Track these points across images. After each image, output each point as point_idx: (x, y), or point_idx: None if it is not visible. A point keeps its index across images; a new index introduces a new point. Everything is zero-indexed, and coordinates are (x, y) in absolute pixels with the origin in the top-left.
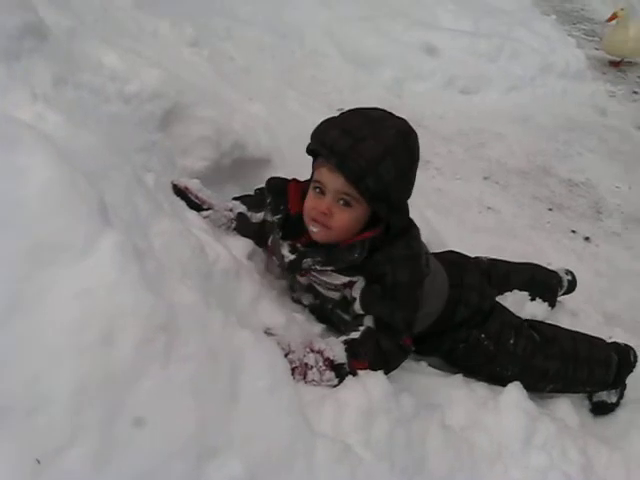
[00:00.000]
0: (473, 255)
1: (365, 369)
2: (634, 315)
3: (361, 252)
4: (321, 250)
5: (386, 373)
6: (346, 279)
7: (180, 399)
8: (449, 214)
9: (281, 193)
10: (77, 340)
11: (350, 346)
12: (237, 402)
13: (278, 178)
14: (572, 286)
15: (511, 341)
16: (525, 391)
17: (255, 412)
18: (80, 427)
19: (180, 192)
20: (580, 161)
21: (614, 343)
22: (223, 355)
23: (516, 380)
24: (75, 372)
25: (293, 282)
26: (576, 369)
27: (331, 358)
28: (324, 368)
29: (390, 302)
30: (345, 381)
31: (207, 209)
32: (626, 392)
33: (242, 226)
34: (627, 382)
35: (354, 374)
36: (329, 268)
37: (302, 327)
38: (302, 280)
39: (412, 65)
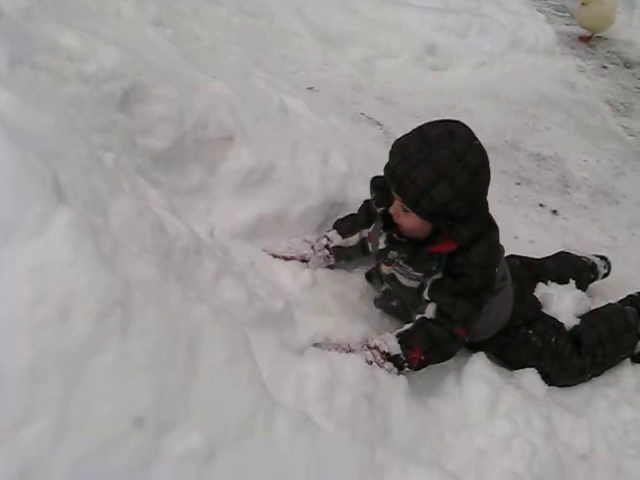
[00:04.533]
0: None
1: (420, 357)
2: (601, 284)
3: (438, 266)
4: (409, 248)
5: (441, 361)
6: (421, 274)
7: (137, 373)
8: None
9: (383, 189)
10: (32, 316)
11: (403, 338)
12: (195, 375)
13: (379, 177)
14: (607, 274)
15: (553, 339)
16: (489, 361)
17: (214, 384)
18: (37, 402)
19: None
20: (548, 135)
21: (629, 297)
22: (181, 329)
23: (557, 377)
24: (30, 348)
25: (377, 271)
26: (604, 349)
27: (387, 351)
28: (382, 361)
29: (455, 295)
30: (307, 354)
31: (303, 261)
32: None
33: (342, 256)
34: None
35: (411, 363)
36: (410, 268)
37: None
38: (385, 270)
39: (381, 42)
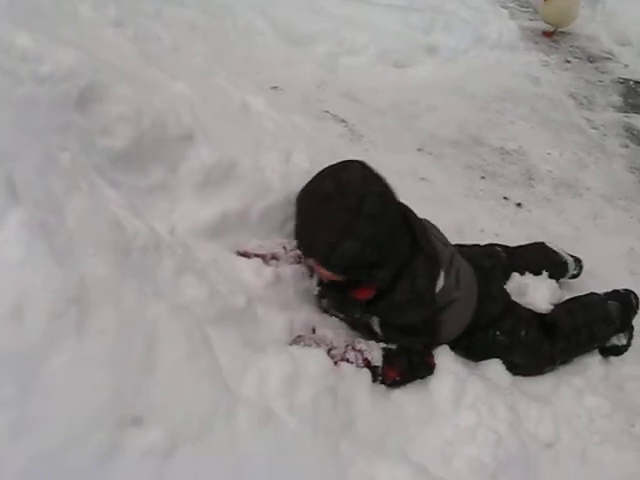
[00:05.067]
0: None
1: (395, 377)
2: None
3: (361, 312)
4: (337, 296)
5: (410, 381)
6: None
7: (95, 370)
8: None
9: None
10: None
11: (387, 354)
12: (154, 371)
13: None
14: (577, 275)
15: (523, 332)
16: (453, 353)
17: (173, 380)
18: None
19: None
20: (512, 130)
21: (613, 291)
22: (138, 326)
23: (526, 366)
24: None
25: None
26: (579, 337)
27: (369, 359)
28: (362, 366)
29: (408, 335)
30: (269, 350)
31: (273, 258)
32: None
33: None
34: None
35: (386, 378)
36: (341, 315)
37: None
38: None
39: (345, 40)
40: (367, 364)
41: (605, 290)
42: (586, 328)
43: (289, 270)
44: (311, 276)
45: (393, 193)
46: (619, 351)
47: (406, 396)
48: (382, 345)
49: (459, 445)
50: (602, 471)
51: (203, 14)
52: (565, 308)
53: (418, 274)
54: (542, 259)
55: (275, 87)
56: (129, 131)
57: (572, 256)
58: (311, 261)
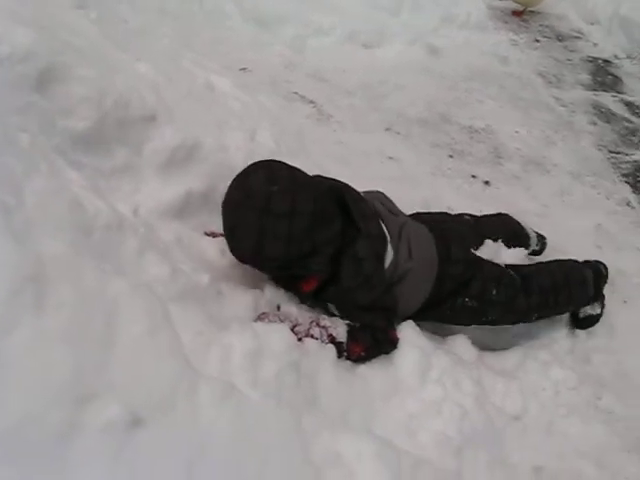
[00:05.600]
0: None
1: (360, 352)
2: None
3: (312, 301)
4: (289, 289)
5: (376, 357)
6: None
7: (54, 347)
8: (349, 165)
9: None
10: None
11: (351, 330)
12: (114, 347)
13: None
14: (539, 252)
15: (493, 292)
16: (418, 328)
17: (134, 356)
18: None
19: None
20: (481, 108)
21: (585, 261)
22: (98, 303)
23: (501, 320)
24: None
25: None
26: (557, 296)
27: (334, 335)
28: (327, 342)
29: (366, 313)
30: (230, 326)
31: None
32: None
33: None
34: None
35: (351, 354)
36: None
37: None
38: None
39: (313, 21)
40: (332, 340)
41: None
42: (565, 289)
43: None
44: None
45: (306, 185)
46: (594, 320)
47: (371, 371)
48: (347, 322)
49: (424, 419)
50: (568, 443)
51: None
52: (543, 266)
53: (363, 256)
54: (506, 229)
55: (243, 68)
56: (91, 112)
57: (537, 233)
58: (248, 267)
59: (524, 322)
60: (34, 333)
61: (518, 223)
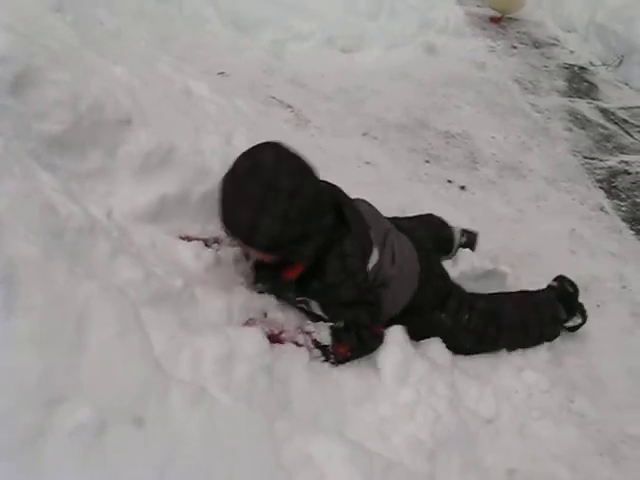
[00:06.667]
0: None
1: (346, 353)
2: (508, 253)
3: (295, 291)
4: (269, 278)
5: (364, 355)
6: (301, 298)
7: (23, 349)
8: (327, 170)
9: None
10: None
11: (335, 332)
12: (84, 350)
13: None
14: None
15: (466, 317)
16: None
17: (104, 359)
18: None
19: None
20: (457, 114)
21: (549, 286)
22: (67, 305)
23: (474, 349)
24: None
25: None
26: (527, 335)
27: (317, 340)
28: (312, 347)
29: (350, 309)
30: (203, 330)
31: (215, 242)
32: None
33: None
34: None
35: (337, 356)
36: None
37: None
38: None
39: (291, 26)
40: (317, 345)
41: (546, 270)
42: (537, 328)
43: (229, 253)
44: (247, 259)
45: (310, 171)
46: (577, 328)
47: (344, 374)
48: (330, 324)
49: (397, 422)
50: (541, 446)
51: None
52: (513, 301)
53: (349, 254)
54: (432, 233)
55: (222, 73)
56: (66, 115)
57: (464, 229)
58: (237, 241)
59: (490, 350)
60: (4, 335)
61: (444, 222)
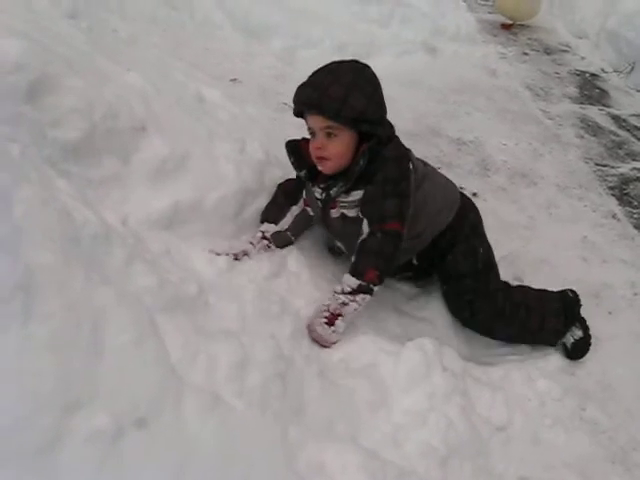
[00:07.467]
0: None
1: (377, 274)
2: (519, 260)
3: (364, 160)
4: (339, 177)
5: (394, 263)
6: (360, 193)
7: (41, 355)
8: None
9: (298, 151)
10: None
11: (353, 270)
12: (101, 356)
13: (292, 140)
14: None
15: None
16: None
17: (120, 365)
18: None
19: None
20: (469, 121)
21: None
22: (84, 312)
23: (479, 306)
24: None
25: (327, 224)
26: (529, 317)
27: (351, 286)
28: (347, 302)
29: (380, 195)
30: (217, 337)
31: (245, 255)
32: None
33: (282, 240)
34: None
35: (374, 282)
36: (348, 186)
37: None
38: (334, 213)
39: (302, 33)
40: (354, 291)
41: (558, 278)
42: (538, 314)
43: (245, 259)
44: (280, 248)
45: None
46: (582, 344)
47: (357, 381)
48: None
49: (410, 430)
50: (553, 454)
51: (163, 6)
52: (519, 288)
53: (400, 143)
54: None
55: (234, 79)
56: (81, 123)
57: None
58: (320, 134)
59: (499, 326)
60: (21, 340)
61: None
